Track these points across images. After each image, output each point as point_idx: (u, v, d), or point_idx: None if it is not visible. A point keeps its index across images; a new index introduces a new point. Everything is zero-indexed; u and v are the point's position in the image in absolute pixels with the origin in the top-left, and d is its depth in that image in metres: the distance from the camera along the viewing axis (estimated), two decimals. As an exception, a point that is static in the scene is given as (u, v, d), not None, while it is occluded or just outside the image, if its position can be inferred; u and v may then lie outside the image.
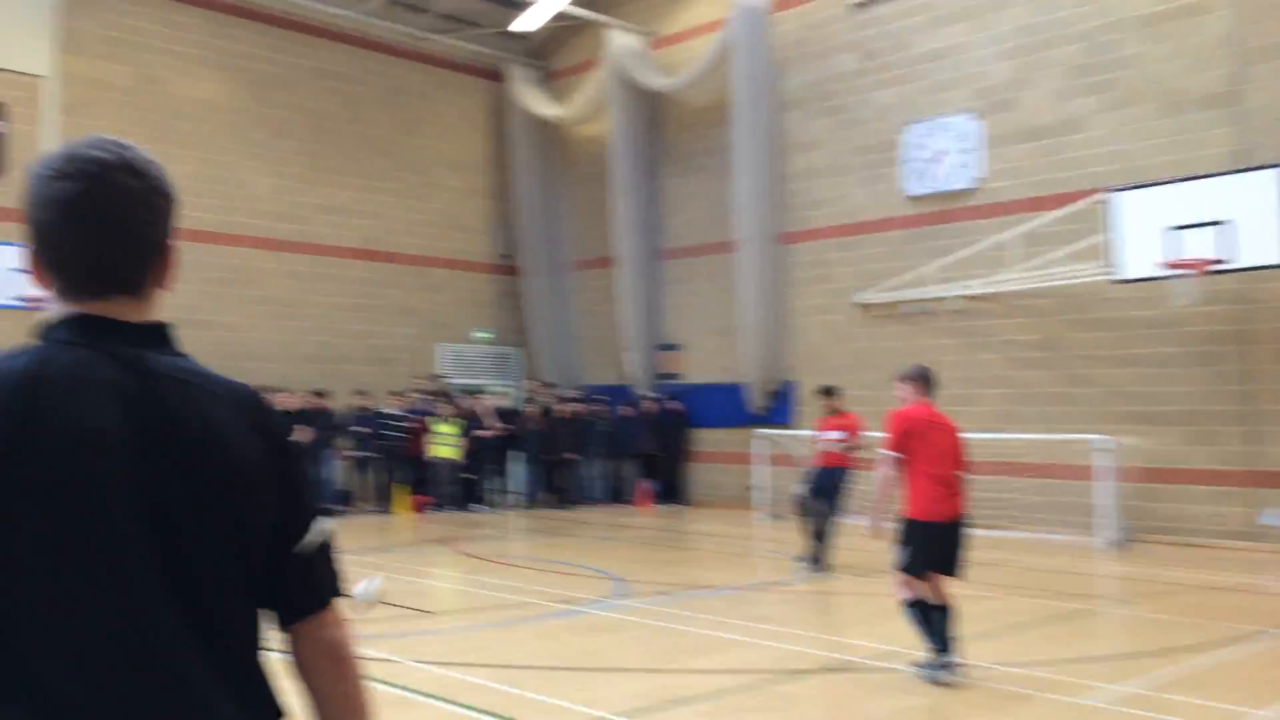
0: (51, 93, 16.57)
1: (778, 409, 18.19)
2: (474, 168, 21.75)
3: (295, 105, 19.24)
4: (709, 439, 19.40)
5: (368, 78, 20.19)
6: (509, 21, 20.21)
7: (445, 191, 21.26)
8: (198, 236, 17.89)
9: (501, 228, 21.96)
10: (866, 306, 17.07)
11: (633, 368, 19.96)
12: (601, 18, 20.05)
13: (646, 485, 19.33)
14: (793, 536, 12.20)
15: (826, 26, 17.78)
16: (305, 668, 1.72)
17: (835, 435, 11.34)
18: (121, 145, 1.62)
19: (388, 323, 20.23)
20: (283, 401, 17.07)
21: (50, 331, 1.59)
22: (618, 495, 19.77)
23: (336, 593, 1.75)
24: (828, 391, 11.74)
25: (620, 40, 19.73)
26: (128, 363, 1.56)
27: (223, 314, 18.13)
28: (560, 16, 20.24)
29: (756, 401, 18.26)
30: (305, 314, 19.19)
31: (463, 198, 21.54)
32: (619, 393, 20.15)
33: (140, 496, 1.51)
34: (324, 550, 1.73)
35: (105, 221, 1.58)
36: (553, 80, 21.98)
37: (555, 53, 22.04)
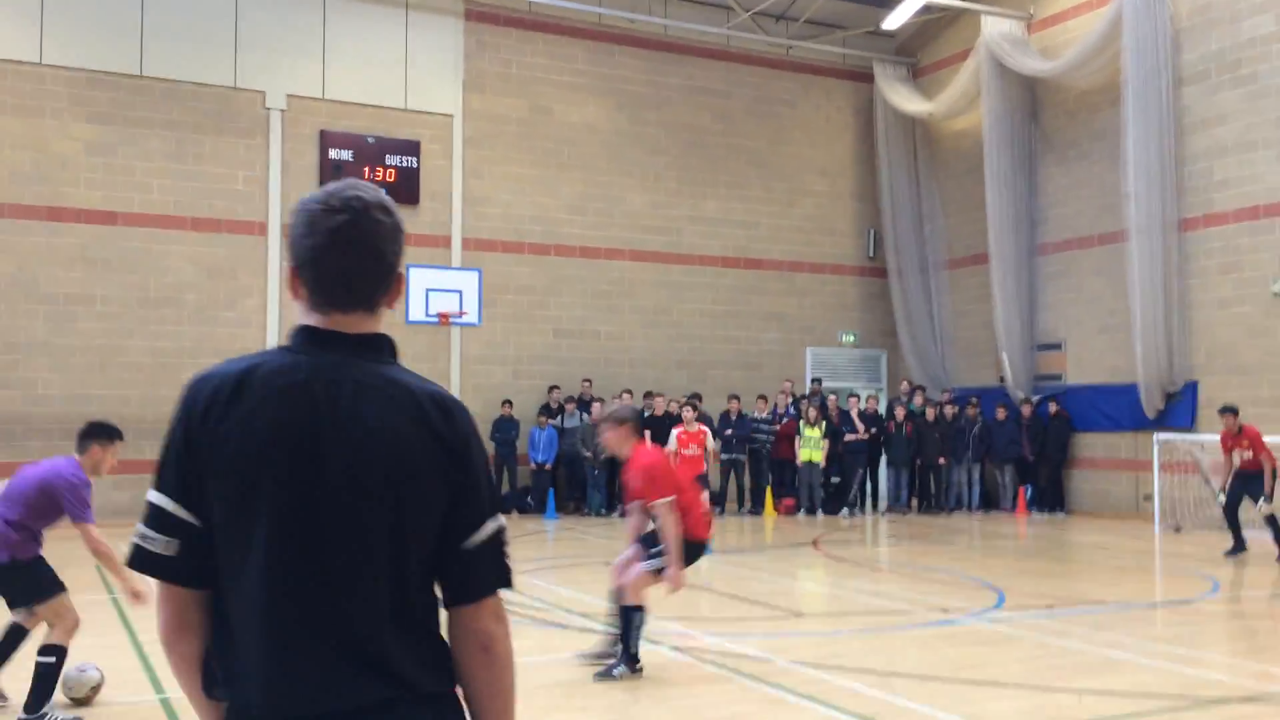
0: (457, 129, 18.47)
1: (1177, 411, 16.58)
2: (841, 171, 21.68)
3: (668, 122, 20.13)
4: (1095, 443, 18.05)
5: (737, 90, 20.71)
6: (877, 21, 19.98)
7: (812, 196, 21.35)
8: (584, 253, 19.26)
9: (869, 230, 21.72)
10: (1287, 298, 15.17)
11: (1009, 369, 18.98)
12: (974, 6, 19.29)
13: (1023, 492, 18.34)
14: (1195, 550, 11.06)
15: (1235, -12, 16.01)
16: (457, 649, 1.90)
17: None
18: (374, 188, 1.94)
19: (756, 328, 20.62)
20: (657, 406, 17.93)
21: (289, 338, 1.91)
22: (990, 501, 18.92)
23: (498, 587, 1.92)
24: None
25: (995, 27, 18.86)
26: (327, 370, 1.84)
27: (605, 324, 19.34)
28: (930, 10, 19.72)
29: (1153, 404, 16.73)
30: (677, 322, 20.01)
31: (830, 202, 21.53)
32: (993, 395, 19.24)
33: (302, 485, 1.78)
34: (491, 547, 1.90)
35: (360, 249, 1.88)
36: (921, 76, 21.44)
37: (924, 48, 21.48)
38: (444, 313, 17.35)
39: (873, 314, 21.65)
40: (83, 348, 15.91)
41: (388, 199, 1.94)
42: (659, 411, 17.84)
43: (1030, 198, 19.09)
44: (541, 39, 19.14)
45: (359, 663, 1.79)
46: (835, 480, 18.56)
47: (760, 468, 18.47)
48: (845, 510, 18.23)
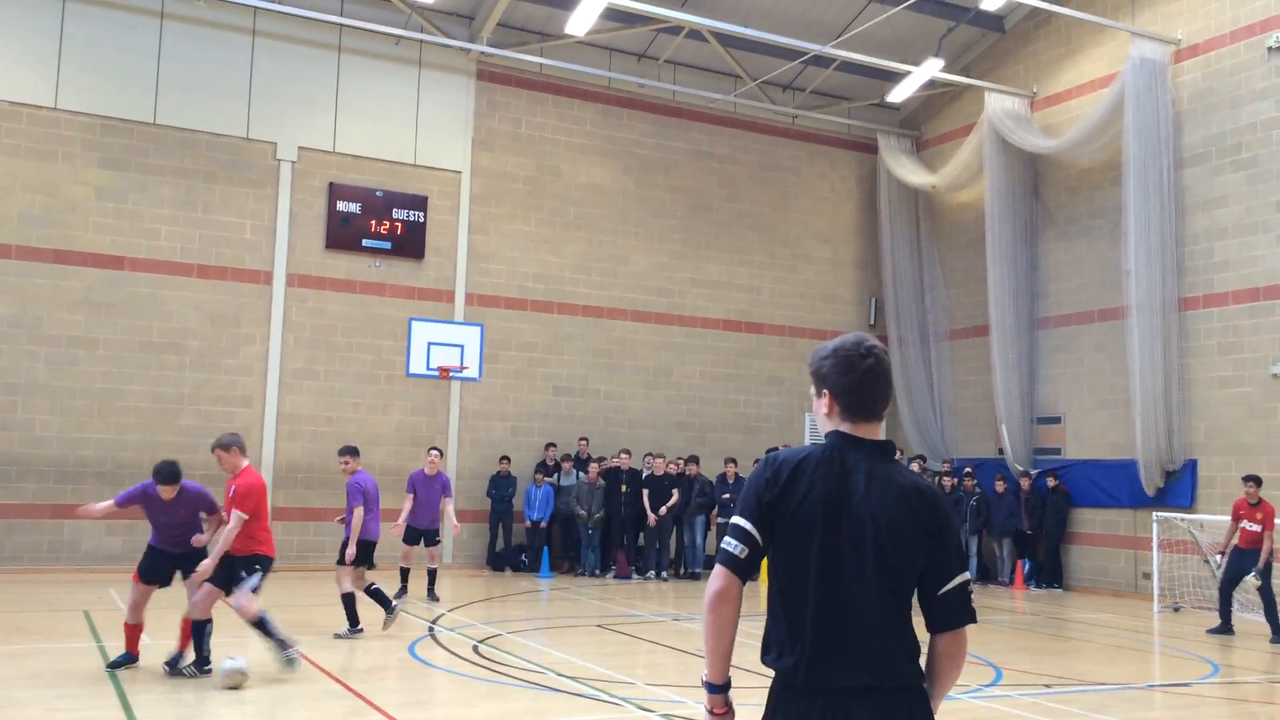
0: (465, 186, 18.65)
1: (1177, 490, 16.53)
2: (844, 239, 21.85)
3: (673, 186, 20.34)
4: (1093, 519, 17.97)
5: (742, 156, 20.96)
6: (882, 94, 20.27)
7: (815, 263, 21.50)
8: (586, 311, 19.35)
9: (871, 298, 21.84)
10: (1286, 379, 15.21)
11: (1008, 441, 18.96)
12: (979, 83, 19.58)
13: (1021, 565, 18.21)
14: (1194, 630, 10.92)
15: (1239, 74, 16.24)
16: (933, 656, 2.83)
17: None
18: (875, 339, 2.87)
19: (755, 392, 20.64)
20: (657, 467, 17.87)
21: (827, 438, 2.82)
22: (988, 574, 18.78)
23: (965, 623, 2.79)
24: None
25: (999, 103, 19.13)
26: (853, 462, 2.75)
27: (605, 383, 19.36)
28: (934, 85, 20.02)
29: (1152, 481, 16.68)
30: (677, 383, 20.04)
31: (832, 269, 21.68)
32: (992, 467, 19.20)
33: (833, 536, 2.69)
34: (959, 594, 2.78)
35: (882, 382, 2.81)
36: (925, 148, 21.71)
37: (928, 121, 21.77)
38: (444, 366, 17.38)
39: (872, 382, 21.62)
40: (82, 390, 15.90)
41: (882, 346, 2.85)
42: (659, 472, 17.78)
43: (1031, 272, 19.22)
44: (551, 100, 19.40)
45: (868, 656, 2.67)
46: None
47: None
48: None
